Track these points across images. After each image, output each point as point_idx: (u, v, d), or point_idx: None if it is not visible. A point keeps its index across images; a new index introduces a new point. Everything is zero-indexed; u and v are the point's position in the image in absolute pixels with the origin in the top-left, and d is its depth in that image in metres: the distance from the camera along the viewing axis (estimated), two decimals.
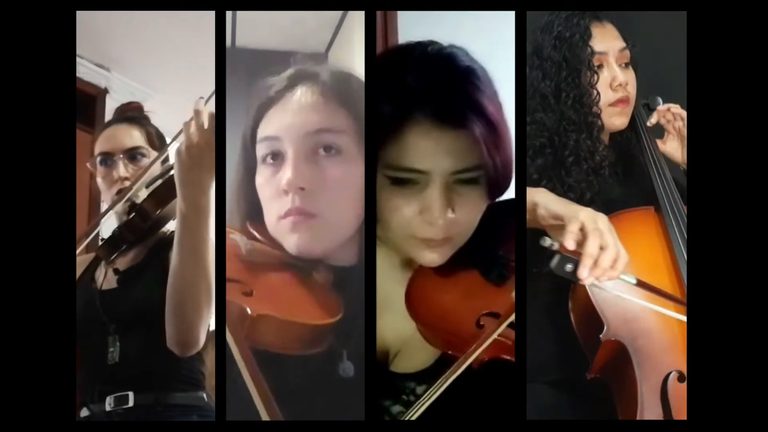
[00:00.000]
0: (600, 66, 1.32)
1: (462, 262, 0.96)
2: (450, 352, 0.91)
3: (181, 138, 1.10)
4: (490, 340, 0.87)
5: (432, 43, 0.93)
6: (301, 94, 1.02)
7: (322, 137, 0.99)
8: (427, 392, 0.86)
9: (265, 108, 1.04)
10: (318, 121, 1.00)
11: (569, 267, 0.99)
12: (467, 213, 0.93)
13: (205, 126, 1.09)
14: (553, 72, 1.32)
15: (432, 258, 0.94)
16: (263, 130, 1.03)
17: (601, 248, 0.99)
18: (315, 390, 0.94)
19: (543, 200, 1.07)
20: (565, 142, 1.30)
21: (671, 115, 1.39)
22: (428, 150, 0.88)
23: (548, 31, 1.34)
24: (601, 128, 1.32)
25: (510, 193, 0.99)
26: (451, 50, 0.93)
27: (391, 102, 0.89)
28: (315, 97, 1.01)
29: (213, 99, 1.12)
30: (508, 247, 1.00)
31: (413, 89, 0.89)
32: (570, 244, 0.99)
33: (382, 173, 0.91)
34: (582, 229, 1.00)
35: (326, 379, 0.94)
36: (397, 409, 0.94)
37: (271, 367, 0.94)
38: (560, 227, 1.03)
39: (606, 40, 1.33)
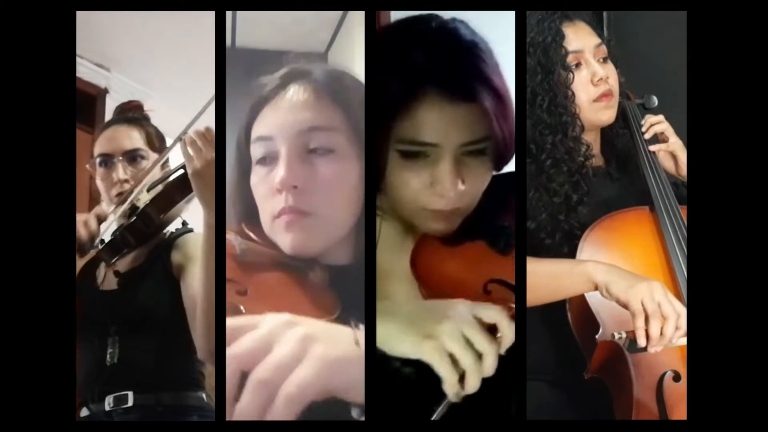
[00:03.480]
0: (578, 65, 1.32)
1: (468, 233, 0.98)
2: None
3: (191, 164, 1.10)
4: None
5: (434, 17, 0.94)
6: (294, 93, 1.02)
7: (314, 135, 0.99)
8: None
9: (258, 108, 1.03)
10: (310, 119, 1.00)
11: (641, 344, 1.07)
12: (475, 184, 0.94)
13: (207, 144, 1.09)
14: (527, 78, 1.31)
15: (439, 227, 0.96)
16: (256, 131, 1.03)
17: (664, 317, 1.06)
18: None
19: (603, 281, 1.10)
20: (541, 147, 1.30)
21: (659, 133, 1.38)
22: (439, 123, 0.89)
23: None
24: (581, 128, 1.32)
25: (511, 167, 1.02)
26: (455, 24, 0.94)
27: (399, 77, 0.90)
28: (307, 95, 1.01)
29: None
30: (512, 215, 1.02)
31: (420, 64, 0.90)
32: (642, 341, 1.06)
33: (394, 148, 0.92)
34: (645, 309, 1.06)
35: None
36: (408, 370, 0.93)
37: None
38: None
39: (580, 38, 1.32)
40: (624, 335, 1.08)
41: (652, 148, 1.37)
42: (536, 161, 1.30)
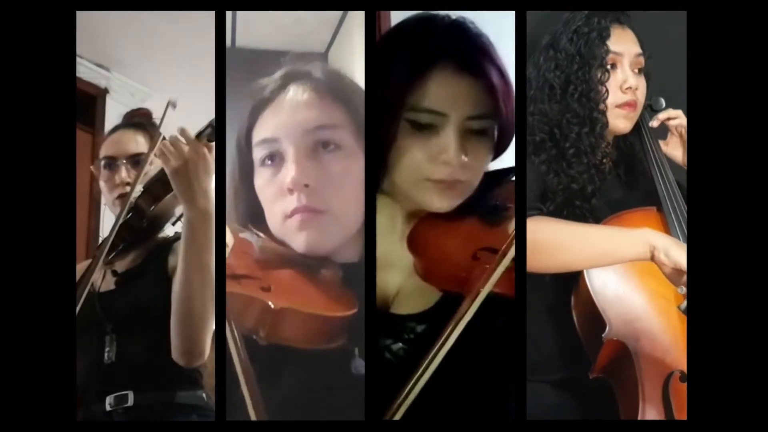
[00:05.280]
0: (613, 66, 1.32)
1: (464, 212, 1.01)
2: (447, 288, 0.95)
3: (167, 163, 1.13)
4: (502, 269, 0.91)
5: (447, 15, 1.01)
6: (295, 93, 1.03)
7: (320, 134, 1.00)
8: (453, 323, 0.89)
9: (259, 110, 1.04)
10: (315, 118, 1.01)
11: None
12: (476, 162, 0.98)
13: (183, 144, 1.11)
14: (565, 64, 1.32)
15: (440, 204, 0.98)
16: (259, 133, 1.03)
17: None
18: (329, 389, 0.95)
19: (662, 245, 1.09)
20: (566, 135, 1.30)
21: (669, 120, 1.39)
22: (448, 93, 0.95)
23: (568, 25, 1.34)
24: (605, 125, 1.32)
25: (511, 162, 1.08)
26: (463, 19, 1.00)
27: (413, 52, 0.96)
28: (309, 94, 1.03)
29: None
30: (505, 196, 1.05)
31: (434, 43, 0.96)
32: None
33: (405, 117, 0.95)
34: None
35: (339, 377, 0.95)
36: (397, 346, 0.98)
37: (285, 366, 0.94)
38: (678, 272, 1.09)
39: (623, 43, 1.32)
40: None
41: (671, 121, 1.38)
42: (558, 147, 1.30)
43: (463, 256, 0.95)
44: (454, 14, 1.00)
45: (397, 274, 1.01)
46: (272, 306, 0.90)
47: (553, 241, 1.13)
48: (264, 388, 0.90)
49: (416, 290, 0.99)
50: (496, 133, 0.99)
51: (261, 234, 1.04)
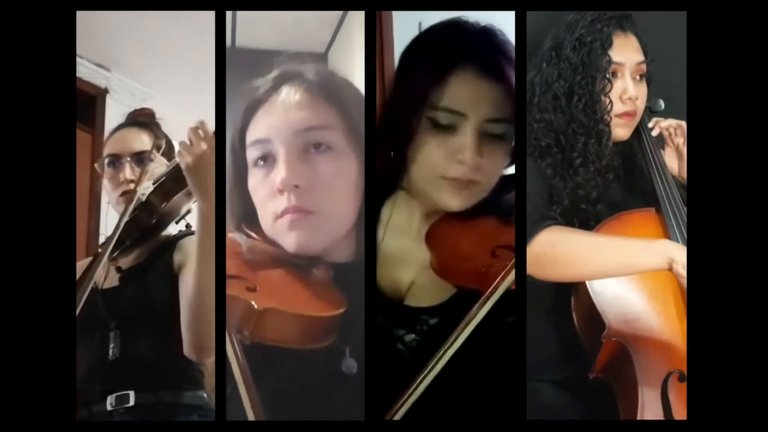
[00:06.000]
0: (614, 74, 1.31)
1: (481, 211, 1.04)
2: (463, 284, 0.98)
3: (183, 158, 1.13)
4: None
5: (475, 21, 1.04)
6: (287, 94, 1.04)
7: (311, 134, 1.01)
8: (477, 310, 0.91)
9: (252, 110, 1.05)
10: (306, 118, 1.01)
11: None
12: (492, 164, 1.01)
13: (198, 139, 1.12)
14: (568, 73, 1.31)
15: (454, 203, 1.01)
16: (252, 134, 1.04)
17: None
18: (318, 388, 0.95)
19: (681, 257, 1.11)
20: (573, 144, 1.30)
21: (668, 129, 1.39)
22: (469, 95, 0.98)
23: (571, 31, 1.33)
24: (609, 135, 1.32)
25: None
26: (492, 27, 1.04)
27: (439, 53, 1.00)
28: (301, 95, 1.03)
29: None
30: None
31: (460, 44, 1.00)
32: None
33: (426, 115, 0.99)
34: None
35: (329, 376, 0.95)
36: (410, 338, 1.00)
37: (275, 365, 0.94)
38: None
39: (626, 51, 1.31)
40: None
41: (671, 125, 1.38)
42: (563, 153, 1.30)
43: (481, 253, 0.97)
44: (484, 21, 1.03)
45: (412, 269, 1.03)
46: (255, 306, 0.90)
47: (573, 254, 1.16)
48: (258, 386, 0.90)
49: (430, 284, 1.01)
50: (514, 138, 1.01)
51: (253, 234, 1.04)
